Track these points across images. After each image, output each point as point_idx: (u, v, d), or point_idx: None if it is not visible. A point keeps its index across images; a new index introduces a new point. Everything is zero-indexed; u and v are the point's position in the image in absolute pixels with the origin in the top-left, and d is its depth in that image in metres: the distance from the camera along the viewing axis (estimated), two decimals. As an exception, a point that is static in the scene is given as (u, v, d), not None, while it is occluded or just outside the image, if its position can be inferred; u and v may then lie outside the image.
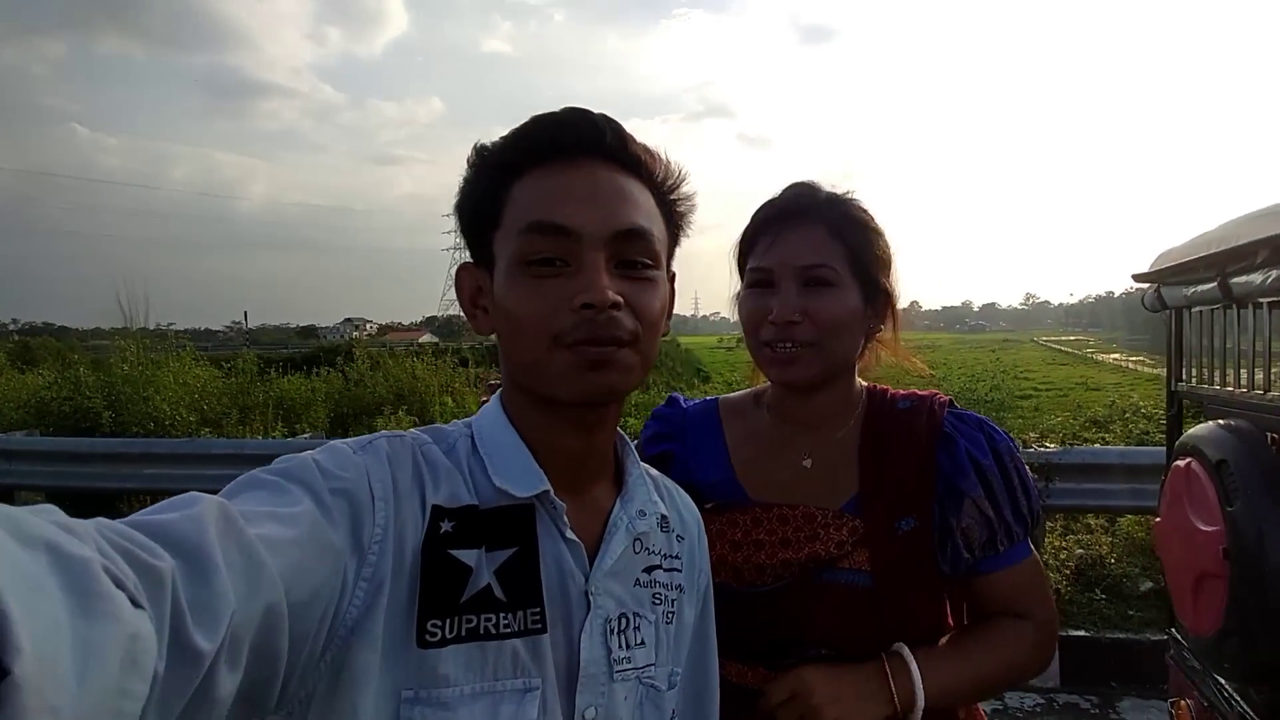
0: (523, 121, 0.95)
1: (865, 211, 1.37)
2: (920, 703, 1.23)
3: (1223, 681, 2.10)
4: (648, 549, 1.03)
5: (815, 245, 1.31)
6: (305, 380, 11.80)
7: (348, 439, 0.90)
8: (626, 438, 1.08)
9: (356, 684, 0.78)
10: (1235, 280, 2.04)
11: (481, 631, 0.84)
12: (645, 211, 0.94)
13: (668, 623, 1.03)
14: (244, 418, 9.81)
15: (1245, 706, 1.98)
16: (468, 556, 0.86)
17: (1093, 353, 57.77)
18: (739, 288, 1.43)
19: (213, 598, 0.58)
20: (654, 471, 1.14)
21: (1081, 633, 4.59)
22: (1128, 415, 8.44)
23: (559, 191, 0.90)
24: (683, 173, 1.01)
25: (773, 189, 1.41)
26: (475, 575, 0.85)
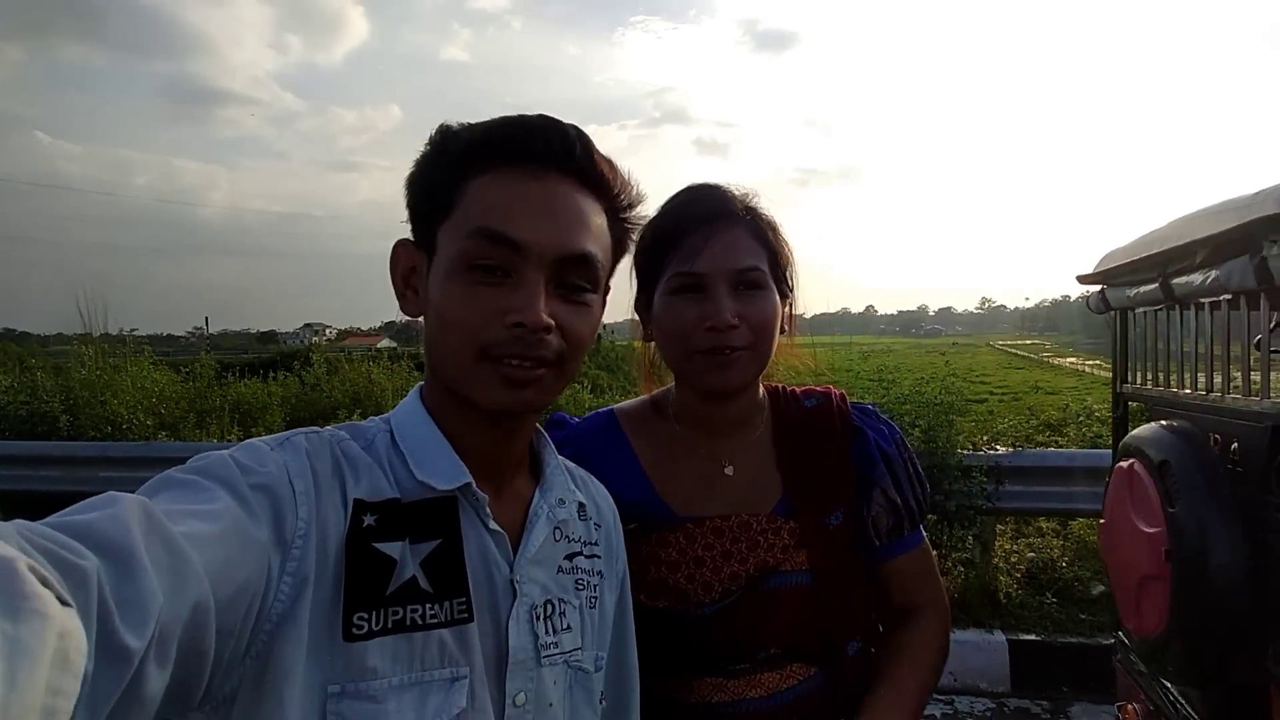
0: (493, 117, 0.94)
1: (771, 215, 1.37)
2: None
3: (1168, 685, 2.12)
4: (568, 536, 1.05)
5: (746, 248, 1.29)
6: (262, 385, 11.71)
7: (265, 436, 0.90)
8: (543, 430, 1.10)
9: (282, 680, 0.78)
10: (1176, 281, 2.07)
11: (408, 623, 0.85)
12: (595, 234, 0.95)
13: (591, 607, 1.06)
14: (201, 421, 9.71)
15: (1190, 710, 2.00)
16: (392, 549, 0.86)
17: (1049, 356, 58.48)
18: (636, 296, 1.39)
19: (139, 595, 0.58)
20: (569, 463, 1.16)
21: (1033, 637, 4.62)
22: (1081, 418, 8.53)
23: (516, 201, 0.90)
24: (639, 192, 1.02)
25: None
26: (400, 567, 0.86)
